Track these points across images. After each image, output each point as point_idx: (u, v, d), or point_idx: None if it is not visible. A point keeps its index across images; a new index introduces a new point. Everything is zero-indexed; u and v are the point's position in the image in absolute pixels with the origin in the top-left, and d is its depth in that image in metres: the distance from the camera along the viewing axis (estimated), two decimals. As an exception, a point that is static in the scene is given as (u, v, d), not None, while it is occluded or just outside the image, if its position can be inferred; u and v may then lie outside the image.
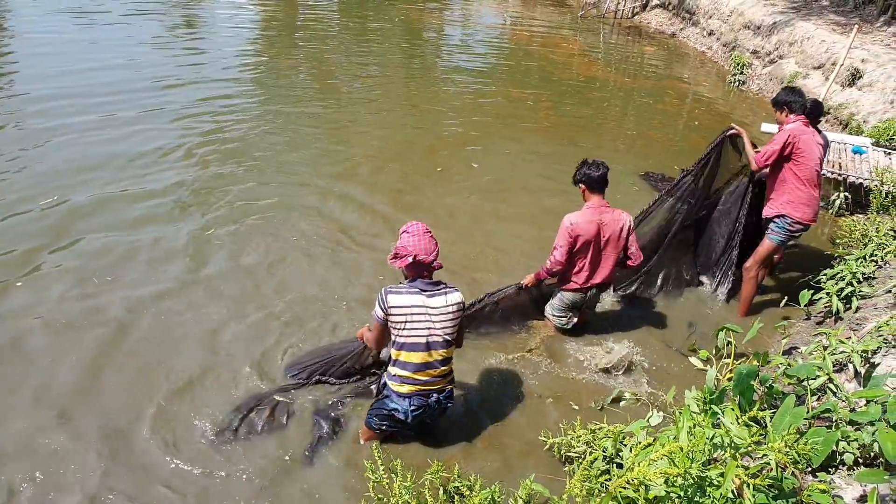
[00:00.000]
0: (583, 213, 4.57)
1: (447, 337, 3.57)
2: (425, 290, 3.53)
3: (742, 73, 12.94)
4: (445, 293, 3.58)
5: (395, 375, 3.60)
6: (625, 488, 1.81)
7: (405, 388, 3.56)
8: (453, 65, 13.69)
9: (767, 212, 5.29)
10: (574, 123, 10.41)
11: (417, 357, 3.53)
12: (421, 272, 3.58)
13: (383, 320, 3.57)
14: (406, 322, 3.49)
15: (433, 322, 3.51)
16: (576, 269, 4.70)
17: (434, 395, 3.61)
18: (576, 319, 4.97)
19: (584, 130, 10.12)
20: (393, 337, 3.58)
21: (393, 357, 3.61)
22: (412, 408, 3.57)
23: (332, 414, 4.08)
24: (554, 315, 4.98)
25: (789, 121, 5.16)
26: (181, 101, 9.42)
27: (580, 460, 3.32)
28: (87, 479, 3.48)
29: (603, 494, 1.74)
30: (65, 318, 4.74)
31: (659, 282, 5.74)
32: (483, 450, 3.94)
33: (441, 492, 2.62)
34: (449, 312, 3.55)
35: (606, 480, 2.24)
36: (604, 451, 3.21)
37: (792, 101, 5.17)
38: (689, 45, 16.26)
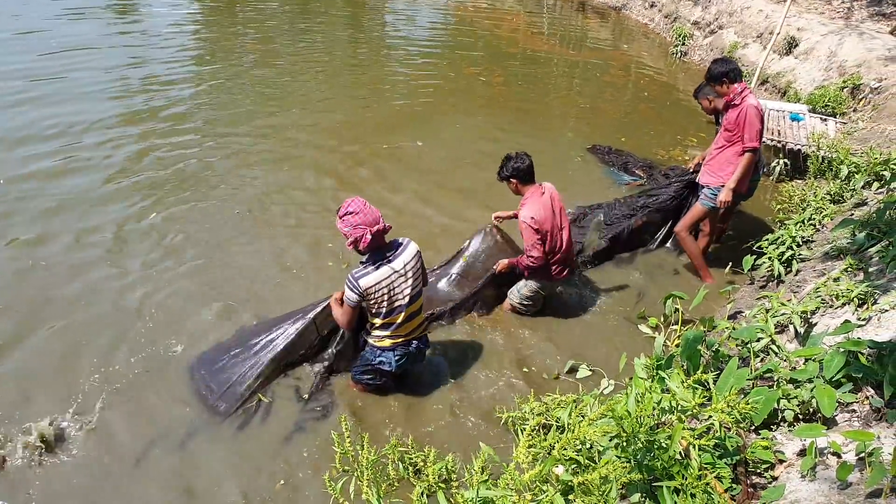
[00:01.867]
0: (532, 204, 4.52)
1: (419, 287, 3.81)
2: (388, 258, 3.62)
3: (684, 43, 13.12)
4: (403, 249, 3.70)
5: (378, 336, 3.81)
6: (565, 450, 1.84)
7: (388, 343, 3.80)
8: (398, 42, 13.52)
9: (709, 180, 5.32)
10: (521, 97, 10.42)
11: (402, 315, 3.75)
12: (378, 243, 3.60)
13: (357, 303, 3.67)
14: (387, 292, 3.64)
15: (406, 282, 3.69)
16: (554, 258, 4.68)
17: (414, 342, 3.91)
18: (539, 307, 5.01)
19: (532, 104, 10.13)
20: (374, 310, 3.71)
21: (374, 322, 3.77)
22: (396, 357, 3.85)
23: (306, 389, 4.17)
24: (521, 303, 4.96)
25: (734, 90, 5.08)
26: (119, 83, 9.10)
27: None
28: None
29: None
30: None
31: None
32: (444, 426, 4.02)
33: (400, 466, 2.63)
34: (413, 267, 3.71)
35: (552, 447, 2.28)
36: (557, 421, 3.27)
37: (729, 70, 5.09)
38: (633, 18, 16.40)
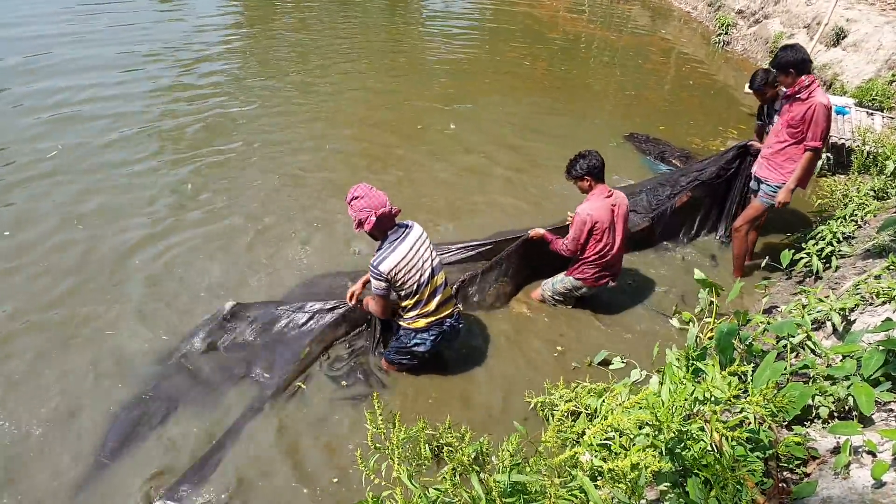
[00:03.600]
0: (595, 201, 4.49)
1: (437, 260, 3.88)
2: (399, 238, 3.73)
3: (726, 33, 12.84)
4: (411, 229, 3.81)
5: (410, 317, 3.88)
6: (595, 437, 1.85)
7: (421, 322, 3.86)
8: (436, 23, 13.46)
9: (768, 175, 5.08)
10: (558, 81, 10.33)
11: (426, 290, 3.81)
12: (386, 225, 3.73)
13: (387, 290, 3.79)
14: (408, 271, 3.72)
15: (423, 257, 3.78)
16: (594, 263, 4.61)
17: (447, 320, 3.95)
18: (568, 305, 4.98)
19: (569, 88, 10.05)
20: (402, 291, 3.80)
21: (404, 305, 3.86)
22: (431, 337, 3.93)
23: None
24: (553, 297, 4.93)
25: (801, 83, 4.74)
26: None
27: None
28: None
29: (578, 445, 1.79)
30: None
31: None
32: (473, 408, 4.06)
33: (427, 448, 2.68)
34: (425, 242, 3.83)
35: (582, 433, 2.29)
36: (586, 409, 3.28)
37: (799, 59, 4.68)
38: (675, 6, 16.09)
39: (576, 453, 1.70)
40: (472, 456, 1.66)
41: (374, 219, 3.63)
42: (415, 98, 8.99)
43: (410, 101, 8.89)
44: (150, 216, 5.74)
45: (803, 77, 4.75)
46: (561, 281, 4.85)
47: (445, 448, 1.81)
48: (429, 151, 7.43)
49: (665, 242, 5.91)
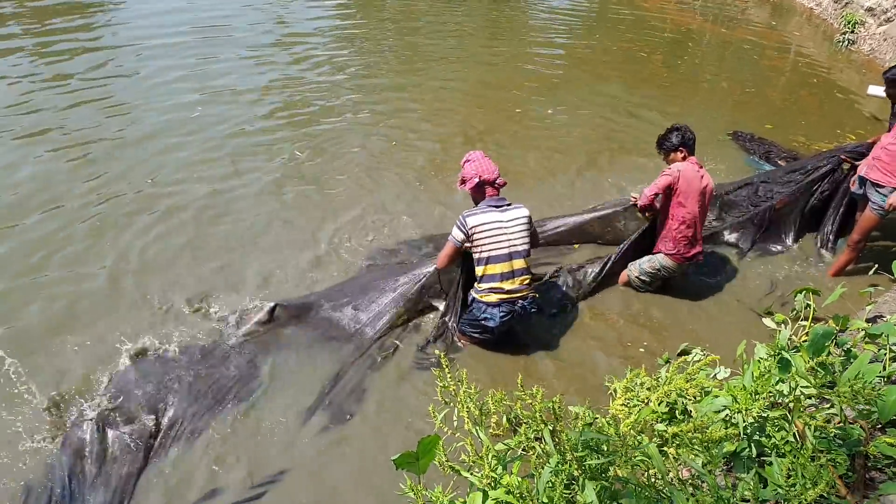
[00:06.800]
0: (686, 164, 4.52)
1: (524, 246, 4.03)
2: (498, 207, 4.04)
3: (853, 31, 12.02)
4: (515, 208, 4.08)
5: (482, 290, 4.01)
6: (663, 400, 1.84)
7: (493, 297, 3.98)
8: (541, 13, 13.36)
9: (880, 177, 4.77)
10: (664, 73, 10.07)
11: (501, 268, 3.96)
12: (485, 192, 4.08)
13: (461, 243, 4.02)
14: (490, 236, 3.94)
15: (510, 234, 3.98)
16: (683, 226, 4.56)
17: (519, 301, 4.03)
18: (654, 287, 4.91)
19: (675, 81, 9.77)
20: (477, 255, 3.98)
21: (479, 275, 4.02)
22: (501, 314, 4.00)
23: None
24: (639, 278, 4.86)
25: None
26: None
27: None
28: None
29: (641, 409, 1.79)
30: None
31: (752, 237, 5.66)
32: (544, 388, 4.05)
33: (504, 419, 2.75)
34: (520, 224, 4.03)
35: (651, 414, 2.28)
36: (667, 396, 3.23)
37: None
38: (797, 1, 15.21)
39: (642, 414, 1.71)
40: (545, 412, 1.70)
41: (476, 180, 4.05)
42: (514, 86, 9.01)
43: (511, 87, 8.92)
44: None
45: None
46: (649, 260, 4.78)
47: (520, 408, 1.85)
48: (523, 134, 7.49)
49: (764, 243, 5.68)
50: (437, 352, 3.94)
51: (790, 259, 5.53)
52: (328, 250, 5.18)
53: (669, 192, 4.52)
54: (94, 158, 6.20)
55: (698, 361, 4.20)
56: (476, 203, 4.13)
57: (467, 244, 4.00)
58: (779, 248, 5.67)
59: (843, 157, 5.54)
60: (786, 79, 10.37)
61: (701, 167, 4.55)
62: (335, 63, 9.25)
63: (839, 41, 12.12)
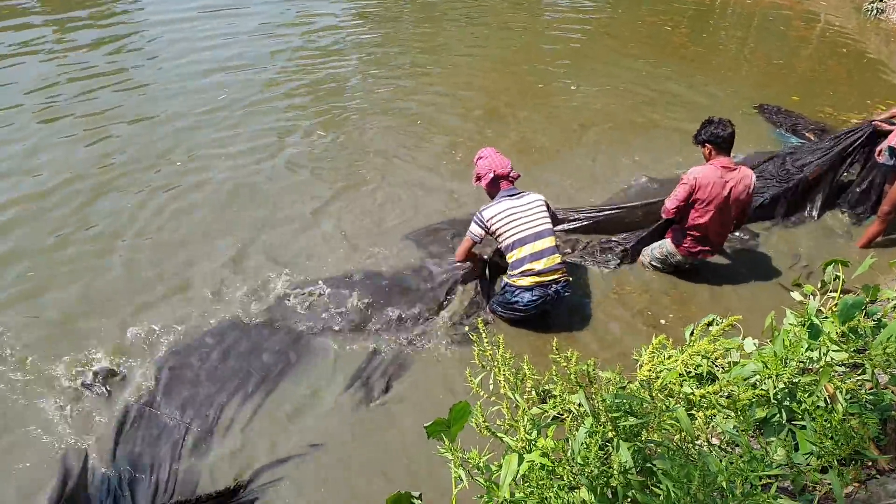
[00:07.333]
0: (708, 168, 4.35)
1: (547, 224, 4.12)
2: (511, 196, 4.17)
3: (882, 0, 11.73)
4: (528, 195, 4.19)
5: (514, 274, 4.09)
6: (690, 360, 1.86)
7: (527, 281, 4.03)
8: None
9: None
10: (688, 45, 9.92)
11: (529, 248, 4.03)
12: (500, 186, 4.20)
13: (479, 237, 4.19)
14: (509, 222, 4.05)
15: (529, 216, 4.09)
16: (694, 231, 4.50)
17: (552, 285, 4.06)
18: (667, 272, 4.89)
19: (700, 54, 9.63)
20: (503, 243, 4.08)
21: (509, 260, 4.11)
22: (534, 298, 4.05)
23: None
24: (651, 262, 4.87)
25: None
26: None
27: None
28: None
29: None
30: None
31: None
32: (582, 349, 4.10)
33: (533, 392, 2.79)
34: (536, 208, 4.13)
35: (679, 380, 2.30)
36: (696, 368, 3.25)
37: None
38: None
39: (669, 378, 1.74)
40: (580, 374, 1.74)
41: (491, 175, 4.17)
42: (537, 60, 8.94)
43: (533, 61, 8.87)
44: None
45: None
46: (660, 245, 4.79)
47: (555, 371, 1.89)
48: (544, 108, 7.45)
49: (793, 217, 5.62)
50: (477, 321, 4.00)
51: (817, 231, 5.47)
52: (354, 231, 5.21)
53: (689, 197, 4.42)
54: (114, 139, 6.25)
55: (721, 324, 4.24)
56: (492, 198, 4.25)
57: (489, 236, 4.16)
58: (805, 220, 5.62)
59: (876, 122, 5.45)
60: (813, 49, 10.17)
61: (732, 168, 4.34)
62: (354, 41, 9.24)
63: (867, 10, 11.83)
